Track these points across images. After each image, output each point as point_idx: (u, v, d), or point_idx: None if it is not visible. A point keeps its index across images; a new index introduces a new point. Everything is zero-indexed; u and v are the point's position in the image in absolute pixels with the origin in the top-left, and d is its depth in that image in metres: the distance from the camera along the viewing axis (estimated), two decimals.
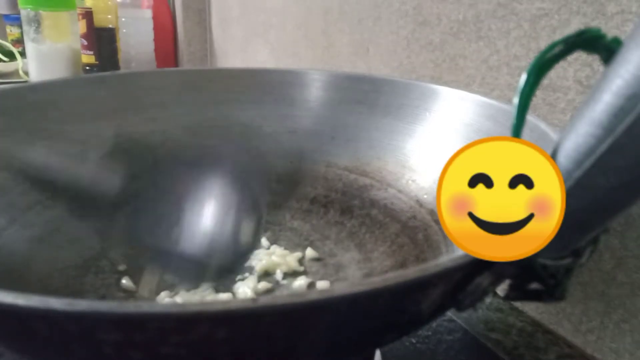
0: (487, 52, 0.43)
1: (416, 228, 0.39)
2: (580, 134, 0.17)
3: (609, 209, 0.18)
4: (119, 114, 0.45)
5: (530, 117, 0.31)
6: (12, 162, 0.37)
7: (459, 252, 0.20)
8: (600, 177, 0.17)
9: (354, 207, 0.43)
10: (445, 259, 0.19)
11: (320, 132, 0.48)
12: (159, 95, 0.47)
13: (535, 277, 0.19)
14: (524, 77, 0.18)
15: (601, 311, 0.35)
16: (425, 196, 0.41)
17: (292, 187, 0.46)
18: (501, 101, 0.35)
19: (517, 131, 0.19)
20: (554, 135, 0.29)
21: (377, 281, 0.17)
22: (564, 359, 0.35)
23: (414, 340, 0.36)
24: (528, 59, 0.40)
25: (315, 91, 0.48)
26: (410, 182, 0.43)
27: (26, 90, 0.40)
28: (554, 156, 0.18)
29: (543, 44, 0.39)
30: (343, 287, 0.16)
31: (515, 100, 0.18)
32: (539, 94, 0.35)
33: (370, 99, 0.47)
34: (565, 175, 0.18)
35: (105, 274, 0.36)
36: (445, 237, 0.37)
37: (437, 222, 0.39)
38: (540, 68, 0.18)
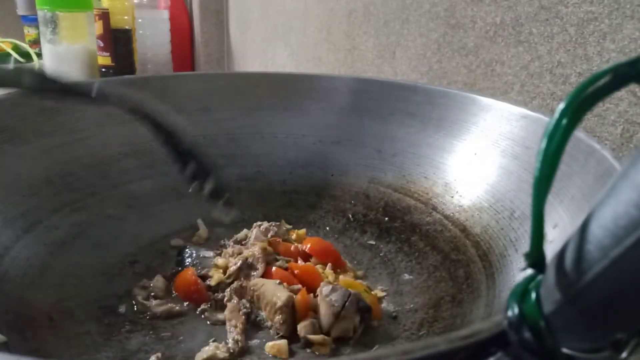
0: (528, 57, 0.39)
1: (458, 262, 0.35)
2: (622, 201, 0.13)
3: None
4: None
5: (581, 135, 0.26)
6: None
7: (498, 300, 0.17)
8: None
9: (393, 230, 0.40)
10: (448, 337, 0.16)
11: (366, 144, 0.44)
12: (203, 99, 0.46)
13: None
14: (551, 123, 0.14)
15: None
16: (472, 226, 0.37)
17: (329, 202, 0.43)
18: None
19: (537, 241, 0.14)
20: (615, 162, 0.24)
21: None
22: None
23: None
24: (574, 67, 0.35)
25: (364, 100, 0.45)
26: (458, 207, 0.39)
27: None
28: (586, 223, 0.14)
29: (591, 50, 0.34)
30: None
31: (538, 162, 0.14)
32: None
33: (423, 112, 0.43)
34: (600, 252, 0.13)
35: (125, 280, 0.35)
36: (487, 277, 0.33)
37: (482, 257, 0.34)
38: (578, 109, 0.14)
